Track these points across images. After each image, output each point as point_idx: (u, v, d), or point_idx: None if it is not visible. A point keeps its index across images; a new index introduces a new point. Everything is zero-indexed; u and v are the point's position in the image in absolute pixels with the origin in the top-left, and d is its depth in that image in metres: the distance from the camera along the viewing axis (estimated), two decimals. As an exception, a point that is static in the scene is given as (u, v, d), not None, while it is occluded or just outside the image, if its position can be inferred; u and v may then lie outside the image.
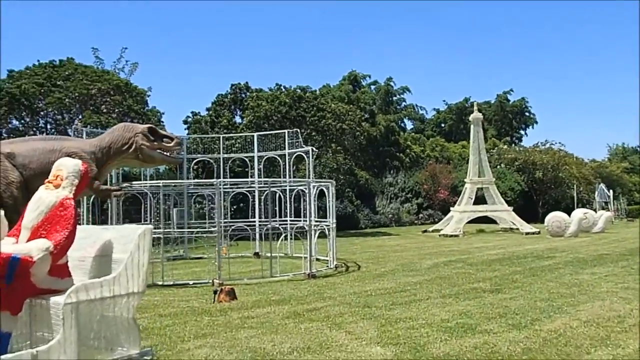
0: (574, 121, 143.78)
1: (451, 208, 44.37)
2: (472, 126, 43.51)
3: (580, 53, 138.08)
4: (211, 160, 28.66)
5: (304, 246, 20.63)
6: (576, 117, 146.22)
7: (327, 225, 21.70)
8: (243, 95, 47.28)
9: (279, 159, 26.95)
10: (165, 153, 15.69)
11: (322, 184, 22.51)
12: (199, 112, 46.83)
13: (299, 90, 43.96)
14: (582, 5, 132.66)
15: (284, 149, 26.26)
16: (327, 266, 21.20)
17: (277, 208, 26.05)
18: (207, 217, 28.48)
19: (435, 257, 24.35)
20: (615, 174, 75.80)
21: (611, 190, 61.02)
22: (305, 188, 23.51)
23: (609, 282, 15.94)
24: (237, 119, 46.60)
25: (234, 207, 32.98)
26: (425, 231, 43.72)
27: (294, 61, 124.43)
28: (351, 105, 49.07)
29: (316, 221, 23.20)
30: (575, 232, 35.78)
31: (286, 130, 26.73)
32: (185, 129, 46.38)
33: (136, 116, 35.19)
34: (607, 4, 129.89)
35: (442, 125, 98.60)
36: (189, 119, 46.12)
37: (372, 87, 71.67)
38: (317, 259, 22.43)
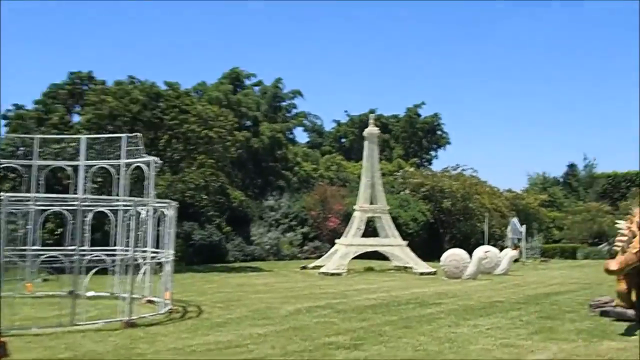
0: (492, 145, 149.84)
1: (336, 240, 44.47)
2: (365, 143, 43.90)
3: (506, 68, 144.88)
4: (19, 168, 27.05)
5: (138, 283, 19.71)
6: (495, 141, 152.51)
7: (159, 258, 20.79)
8: (84, 88, 45.51)
9: (112, 170, 25.74)
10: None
11: (160, 205, 21.65)
12: (24, 106, 44.78)
13: (157, 86, 42.64)
14: (514, 18, 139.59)
15: (121, 155, 25.23)
16: (158, 311, 20.22)
17: (116, 232, 24.89)
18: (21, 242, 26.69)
19: (301, 301, 24.02)
20: (532, 206, 79.11)
21: (524, 226, 63.29)
22: (143, 209, 22.62)
23: (488, 338, 16.07)
24: (76, 118, 44.76)
25: (59, 229, 31.35)
26: (304, 267, 43.53)
27: (160, 52, 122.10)
28: (223, 109, 48.22)
29: (153, 252, 22.34)
30: (473, 274, 36.61)
31: (124, 135, 25.62)
32: (3, 126, 44.13)
33: None
34: (531, 20, 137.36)
35: (342, 140, 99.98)
36: (10, 113, 43.97)
37: (257, 88, 71.45)
38: (150, 301, 21.60)
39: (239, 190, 59.65)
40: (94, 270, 19.42)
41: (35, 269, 24.96)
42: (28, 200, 23.84)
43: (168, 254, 20.96)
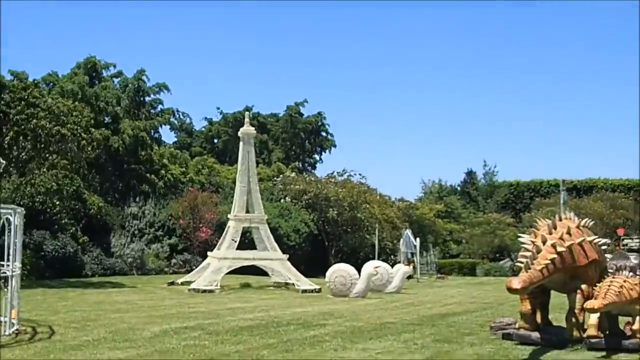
0: (382, 149, 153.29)
1: (208, 253, 44.31)
2: (241, 144, 43.93)
3: (399, 64, 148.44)
4: None
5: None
6: (386, 145, 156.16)
7: (5, 273, 20.04)
8: None
9: None
10: None
11: (4, 211, 20.87)
12: None
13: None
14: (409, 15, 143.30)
15: None
16: (3, 332, 19.55)
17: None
18: None
19: (168, 321, 23.78)
20: (427, 217, 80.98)
21: (418, 239, 64.85)
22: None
23: (378, 363, 16.37)
24: None
25: None
26: (172, 283, 43.20)
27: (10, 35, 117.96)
28: (77, 104, 47.02)
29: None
30: (362, 292, 37.24)
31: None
32: None
33: None
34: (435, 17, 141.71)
35: (215, 140, 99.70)
36: None
37: (116, 80, 70.09)
38: None
39: (97, 196, 58.40)
40: None
41: None
42: None
43: (14, 267, 20.24)
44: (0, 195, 42.33)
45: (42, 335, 19.79)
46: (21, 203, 44.43)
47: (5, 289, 20.40)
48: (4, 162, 24.54)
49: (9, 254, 20.95)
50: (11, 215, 20.74)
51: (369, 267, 39.09)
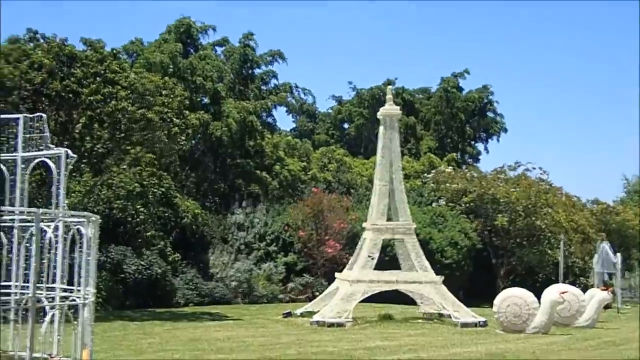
0: (568, 135, 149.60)
1: (336, 275, 44.37)
2: (381, 129, 43.77)
3: (588, 23, 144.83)
4: None
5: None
6: (572, 129, 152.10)
7: (74, 300, 20.64)
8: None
9: (4, 168, 25.68)
10: None
11: (74, 220, 21.50)
12: None
13: (69, 45, 42.48)
14: None
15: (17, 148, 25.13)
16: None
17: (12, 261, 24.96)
18: None
19: None
20: (631, 225, 78.65)
21: (618, 255, 62.88)
22: (48, 226, 22.44)
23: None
24: None
25: None
26: (288, 314, 43.47)
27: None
28: (168, 79, 48.03)
29: (63, 291, 22.22)
30: (544, 326, 36.63)
31: (20, 116, 25.50)
32: None
33: None
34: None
35: (345, 126, 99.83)
36: None
37: (218, 49, 70.94)
38: None
39: (192, 200, 59.40)
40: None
41: None
42: None
43: (86, 294, 20.78)
44: (68, 199, 43.64)
45: (123, 383, 20.38)
46: (95, 210, 45.91)
47: (75, 322, 20.96)
48: (75, 156, 25.20)
49: (80, 276, 21.58)
50: (83, 226, 21.31)
51: (552, 292, 38.36)
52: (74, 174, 44.13)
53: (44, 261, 20.67)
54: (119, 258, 47.16)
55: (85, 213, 23.08)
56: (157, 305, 47.17)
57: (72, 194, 46.26)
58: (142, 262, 48.22)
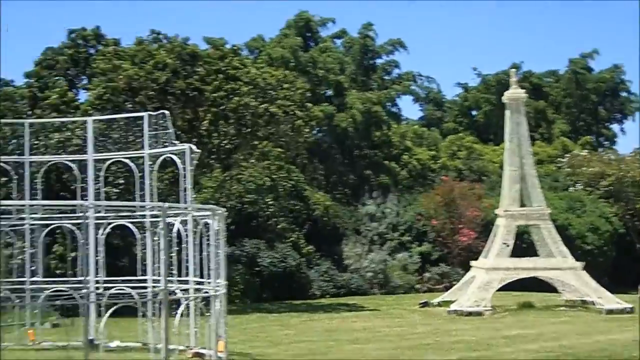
0: None
1: (472, 263, 43.81)
2: (507, 114, 43.02)
3: None
4: (7, 167, 28.12)
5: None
6: None
7: (207, 292, 20.87)
8: (91, 51, 46.34)
9: (132, 165, 26.37)
10: None
11: (201, 213, 21.78)
12: (12, 81, 46.31)
13: (191, 45, 43.08)
14: None
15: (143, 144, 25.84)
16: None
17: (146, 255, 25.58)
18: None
19: (422, 353, 23.97)
20: None
21: None
22: (177, 219, 22.82)
23: None
24: (83, 94, 46.19)
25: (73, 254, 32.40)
26: (425, 304, 43.10)
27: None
28: (292, 73, 48.21)
29: (196, 283, 22.58)
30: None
31: (145, 114, 26.04)
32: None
33: None
34: None
35: (473, 113, 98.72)
36: (-5, 93, 45.21)
37: (338, 41, 70.83)
38: (199, 355, 21.92)
39: (322, 192, 59.46)
40: (111, 310, 19.74)
41: (39, 310, 26.14)
42: (22, 212, 24.69)
43: (217, 286, 20.94)
44: (200, 195, 44.34)
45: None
46: (228, 205, 46.48)
47: (208, 314, 21.15)
48: (199, 151, 25.52)
49: (209, 268, 21.78)
50: (210, 219, 21.50)
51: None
52: (204, 170, 44.84)
53: (172, 255, 21.00)
54: (253, 251, 47.89)
55: (211, 206, 23.39)
56: (293, 297, 47.59)
57: (204, 190, 47.08)
58: (276, 255, 48.73)
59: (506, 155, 43.52)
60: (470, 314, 37.97)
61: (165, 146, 25.29)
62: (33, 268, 26.60)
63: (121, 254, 34.55)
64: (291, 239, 51.78)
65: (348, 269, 54.94)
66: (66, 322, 25.68)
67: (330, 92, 66.35)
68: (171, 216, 21.81)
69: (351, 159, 65.63)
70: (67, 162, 28.72)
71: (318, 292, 50.74)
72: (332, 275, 52.79)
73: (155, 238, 23.05)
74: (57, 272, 31.71)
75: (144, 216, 24.73)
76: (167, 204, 20.76)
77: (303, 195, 55.26)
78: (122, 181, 35.33)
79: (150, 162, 25.64)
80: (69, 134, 34.50)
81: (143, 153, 25.89)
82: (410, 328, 32.40)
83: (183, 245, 23.57)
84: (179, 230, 23.53)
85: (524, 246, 44.68)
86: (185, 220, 22.98)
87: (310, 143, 51.02)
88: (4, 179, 30.17)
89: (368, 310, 41.55)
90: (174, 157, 24.75)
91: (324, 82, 65.23)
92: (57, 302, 25.39)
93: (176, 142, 25.16)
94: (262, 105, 41.64)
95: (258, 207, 49.32)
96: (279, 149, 47.61)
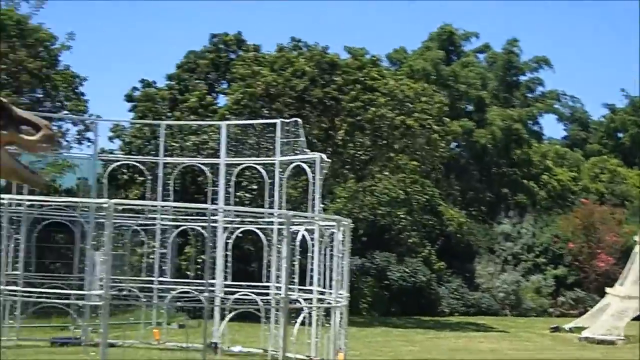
0: None
1: (607, 290, 42.77)
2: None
3: None
4: (142, 167, 29.09)
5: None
6: None
7: (329, 303, 20.79)
8: (232, 57, 47.24)
9: (262, 171, 26.59)
10: (20, 155, 15.38)
11: (327, 224, 21.72)
12: (154, 82, 47.24)
13: (330, 53, 43.21)
14: None
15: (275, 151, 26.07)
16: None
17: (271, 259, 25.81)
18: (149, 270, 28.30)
19: None
20: None
21: None
22: (301, 227, 22.85)
23: None
24: (222, 98, 46.98)
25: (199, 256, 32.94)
26: (556, 328, 42.21)
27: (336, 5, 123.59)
28: (431, 87, 47.91)
29: (319, 293, 22.56)
30: None
31: (278, 121, 26.21)
32: (128, 110, 46.77)
33: (32, 80, 35.76)
34: None
35: (619, 135, 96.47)
36: (136, 94, 46.47)
37: (480, 55, 70.16)
38: None
39: (457, 209, 59.03)
40: (230, 315, 19.94)
41: (166, 310, 26.68)
42: (153, 212, 25.18)
43: (338, 297, 20.84)
44: (333, 204, 44.44)
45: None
46: (360, 216, 46.48)
47: (328, 324, 21.09)
48: (329, 160, 25.52)
49: (335, 280, 21.70)
50: (336, 229, 21.41)
51: None
52: (337, 180, 44.95)
53: (295, 263, 21.03)
54: (384, 264, 47.68)
55: (336, 217, 23.36)
56: (421, 313, 47.22)
57: (337, 200, 47.21)
58: (407, 269, 48.48)
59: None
60: (602, 342, 36.91)
61: (297, 154, 25.34)
62: (164, 268, 27.06)
63: (252, 260, 34.83)
64: (422, 254, 51.43)
65: (479, 288, 54.34)
66: (192, 323, 26.00)
67: (470, 107, 65.81)
68: (295, 224, 21.82)
69: (489, 176, 64.97)
70: (200, 165, 29.23)
71: (447, 309, 50.25)
72: (463, 293, 52.28)
73: (278, 245, 23.14)
74: (187, 273, 32.21)
75: (271, 223, 24.84)
76: (291, 212, 20.82)
77: (437, 210, 54.92)
78: (255, 187, 35.69)
79: (281, 170, 25.74)
80: (205, 137, 35.11)
81: (274, 160, 25.99)
82: (537, 353, 31.83)
83: (308, 255, 23.59)
84: (304, 239, 23.58)
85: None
86: (311, 229, 22.96)
87: (448, 158, 50.56)
88: (140, 178, 30.82)
89: (496, 332, 40.92)
90: (304, 165, 24.76)
91: (465, 97, 64.78)
92: (181, 304, 25.80)
93: (307, 150, 25.20)
94: (399, 117, 41.51)
95: (391, 219, 49.17)
96: (414, 162, 47.31)
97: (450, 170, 60.13)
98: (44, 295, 17.00)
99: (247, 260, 36.36)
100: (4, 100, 16.48)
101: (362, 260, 46.88)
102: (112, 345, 20.43)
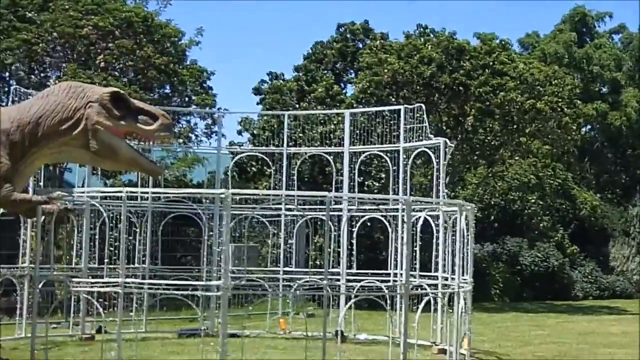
0: None
1: None
2: None
3: None
4: (265, 157, 29.74)
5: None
6: None
7: (455, 288, 20.53)
8: (359, 46, 47.25)
9: (387, 159, 26.47)
10: (139, 144, 15.80)
11: (451, 209, 21.45)
12: (282, 74, 47.45)
13: (457, 39, 42.66)
14: None
15: (398, 138, 25.99)
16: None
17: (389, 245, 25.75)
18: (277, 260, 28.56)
19: None
20: None
21: None
22: (422, 213, 22.71)
23: None
24: (349, 89, 46.91)
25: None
26: (698, 312, 40.97)
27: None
28: (561, 69, 46.92)
29: (444, 279, 22.36)
30: None
31: (402, 107, 26.04)
32: (257, 103, 47.18)
33: (160, 76, 36.04)
34: None
35: None
36: (264, 86, 46.81)
37: (615, 37, 68.43)
38: (444, 352, 21.65)
39: (591, 192, 57.83)
40: (350, 302, 19.91)
41: (292, 300, 26.89)
42: (278, 203, 25.37)
43: (461, 283, 20.59)
44: (464, 191, 44.06)
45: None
46: (491, 202, 45.96)
47: (451, 310, 20.85)
48: (452, 145, 25.26)
49: (459, 265, 21.44)
50: (457, 214, 21.14)
51: None
52: (467, 166, 44.50)
53: (416, 249, 20.91)
54: (515, 250, 47.08)
55: (459, 201, 23.09)
56: (554, 297, 46.58)
57: (468, 187, 46.76)
58: (539, 254, 47.80)
59: None
60: None
61: (420, 140, 25.16)
62: (292, 259, 27.30)
63: (382, 248, 34.77)
64: (555, 238, 50.64)
65: (614, 271, 53.27)
66: (321, 313, 26.04)
67: (604, 90, 64.23)
68: (417, 210, 21.68)
69: (624, 159, 63.35)
70: (324, 154, 29.31)
71: (580, 293, 49.42)
72: (597, 276, 51.29)
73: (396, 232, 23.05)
74: (317, 263, 32.45)
75: (395, 210, 24.72)
76: (412, 198, 20.66)
77: (570, 194, 53.94)
78: (383, 175, 35.61)
79: (405, 156, 25.60)
80: (332, 127, 35.15)
81: (398, 147, 25.85)
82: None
83: (434, 241, 23.45)
84: (429, 224, 23.45)
85: None
86: (435, 216, 22.80)
87: (581, 141, 49.47)
88: (269, 170, 31.06)
89: (630, 314, 39.87)
90: (428, 150, 24.58)
91: (599, 79, 63.25)
92: (301, 293, 25.93)
93: (431, 135, 25.00)
94: (529, 101, 40.79)
95: (522, 205, 48.51)
96: (546, 147, 46.50)
97: (584, 153, 58.97)
98: (170, 287, 17.16)
99: (378, 249, 36.33)
100: (122, 91, 16.73)
101: (493, 246, 46.39)
102: (235, 336, 20.50)
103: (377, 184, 36.68)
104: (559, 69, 47.61)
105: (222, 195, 16.22)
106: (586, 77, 59.59)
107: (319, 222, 30.70)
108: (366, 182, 36.32)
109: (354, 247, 25.58)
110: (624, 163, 63.76)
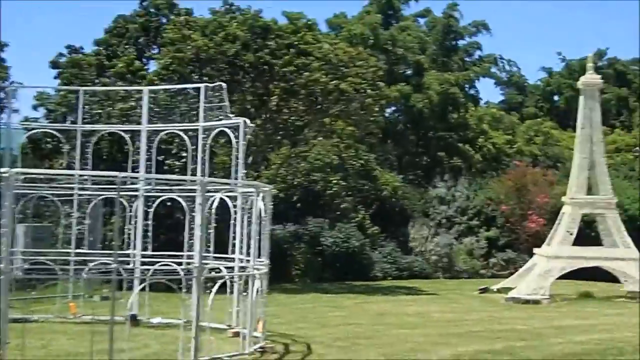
0: None
1: (535, 250, 42.89)
2: (581, 99, 42.07)
3: None
4: (59, 135, 28.79)
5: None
6: None
7: (250, 271, 20.39)
8: (163, 21, 46.64)
9: (186, 138, 26.12)
10: None
11: (248, 190, 21.29)
12: (81, 48, 46.75)
13: (263, 17, 42.72)
14: None
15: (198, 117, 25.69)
16: (239, 350, 19.93)
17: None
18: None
19: (466, 342, 23.22)
20: None
21: None
22: (217, 194, 22.46)
23: None
24: (151, 65, 46.37)
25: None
26: (484, 290, 42.38)
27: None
28: (365, 51, 47.48)
29: (240, 261, 22.20)
30: None
31: (202, 85, 25.73)
32: (54, 77, 46.07)
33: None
34: None
35: (555, 98, 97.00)
36: (62, 60, 45.89)
37: (421, 20, 69.89)
38: (238, 334, 21.48)
39: (394, 173, 58.81)
40: (142, 285, 19.52)
41: (84, 282, 26.07)
42: (71, 183, 24.58)
43: (258, 265, 20.46)
44: (267, 170, 43.96)
45: (293, 357, 20.01)
46: (294, 182, 46.01)
47: (245, 293, 20.74)
48: (252, 125, 25.09)
49: (255, 248, 21.28)
50: (255, 196, 20.97)
51: None
52: (271, 146, 44.48)
53: (210, 231, 20.66)
54: (316, 231, 47.30)
55: (256, 183, 22.97)
56: (354, 279, 46.84)
57: (272, 167, 46.74)
58: (340, 235, 48.04)
59: (577, 142, 42.66)
60: (527, 302, 37.25)
61: (221, 119, 24.90)
62: (91, 239, 26.63)
63: (183, 229, 34.37)
64: (356, 219, 51.09)
65: (413, 252, 54.25)
66: (117, 296, 25.33)
67: (409, 72, 65.49)
68: (213, 191, 21.44)
69: (425, 141, 64.90)
70: (120, 132, 28.65)
71: (380, 274, 49.95)
72: (396, 257, 51.94)
73: (193, 213, 22.75)
74: (113, 244, 31.67)
75: (193, 190, 24.40)
76: (207, 179, 20.41)
77: (372, 175, 54.57)
78: (184, 154, 35.20)
79: (205, 136, 25.29)
80: (133, 103, 34.39)
81: (197, 126, 25.52)
82: (463, 314, 31.80)
83: (231, 222, 23.27)
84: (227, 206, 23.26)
85: (592, 235, 43.32)
86: (233, 197, 22.60)
87: (384, 123, 50.18)
88: (66, 147, 30.08)
89: (426, 295, 40.95)
90: (227, 130, 24.33)
91: (403, 61, 64.41)
92: (99, 277, 25.22)
93: (231, 115, 24.77)
94: (333, 82, 41.08)
95: (324, 185, 48.74)
96: (350, 128, 46.95)
97: (387, 135, 59.86)
98: None
99: (178, 230, 35.78)
100: None
101: (295, 227, 46.47)
102: (19, 321, 19.68)
103: (178, 163, 36.12)
104: (364, 50, 48.17)
105: (5, 175, 15.48)
106: (391, 59, 60.51)
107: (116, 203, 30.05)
108: (167, 161, 35.68)
109: (149, 228, 25.13)
110: (425, 145, 65.33)
